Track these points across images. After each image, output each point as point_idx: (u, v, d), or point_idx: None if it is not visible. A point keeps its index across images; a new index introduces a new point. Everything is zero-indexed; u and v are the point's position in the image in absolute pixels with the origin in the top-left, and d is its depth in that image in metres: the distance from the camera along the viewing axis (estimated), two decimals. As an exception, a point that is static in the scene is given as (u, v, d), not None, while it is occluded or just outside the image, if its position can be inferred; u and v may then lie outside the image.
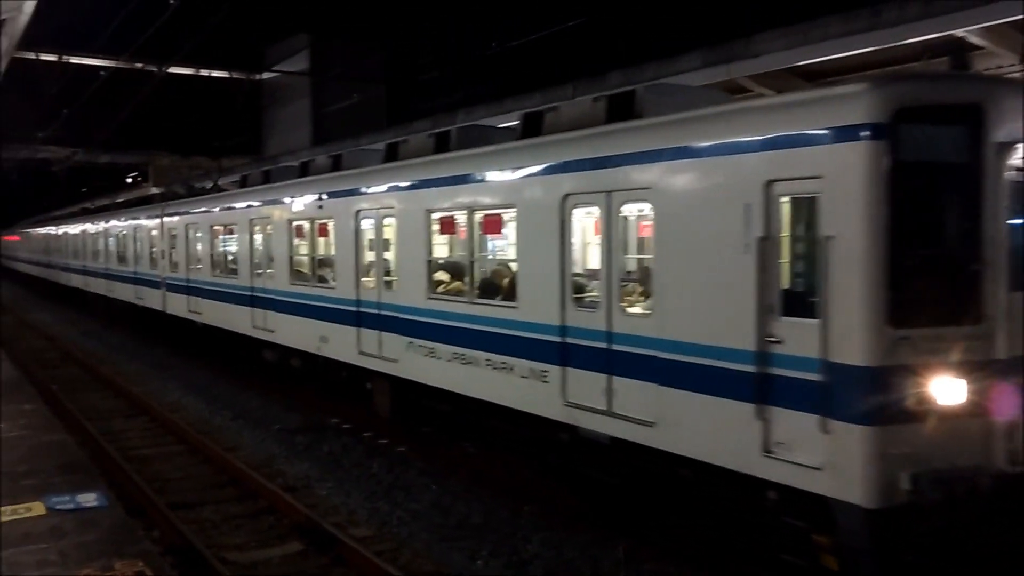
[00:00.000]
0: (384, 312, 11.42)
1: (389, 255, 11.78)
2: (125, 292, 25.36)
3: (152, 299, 22.42)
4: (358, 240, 12.06)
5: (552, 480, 9.51)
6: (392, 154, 12.17)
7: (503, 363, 9.19)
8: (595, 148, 8.11)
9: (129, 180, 46.10)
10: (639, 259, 8.48)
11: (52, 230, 41.61)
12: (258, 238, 15.76)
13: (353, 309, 12.11)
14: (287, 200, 14.40)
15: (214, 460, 11.37)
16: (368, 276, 12.04)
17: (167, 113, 38.98)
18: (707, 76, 13.07)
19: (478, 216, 9.81)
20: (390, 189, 11.58)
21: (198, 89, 39.19)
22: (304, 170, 14.99)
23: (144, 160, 45.60)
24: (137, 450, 12.07)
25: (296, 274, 14.24)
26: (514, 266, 9.44)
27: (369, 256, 12.09)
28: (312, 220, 13.54)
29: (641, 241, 8.69)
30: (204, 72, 38.71)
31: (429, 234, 10.64)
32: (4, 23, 10.66)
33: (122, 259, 25.93)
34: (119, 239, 26.44)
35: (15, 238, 60.16)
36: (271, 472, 10.82)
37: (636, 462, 7.80)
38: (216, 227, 18.07)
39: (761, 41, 13.24)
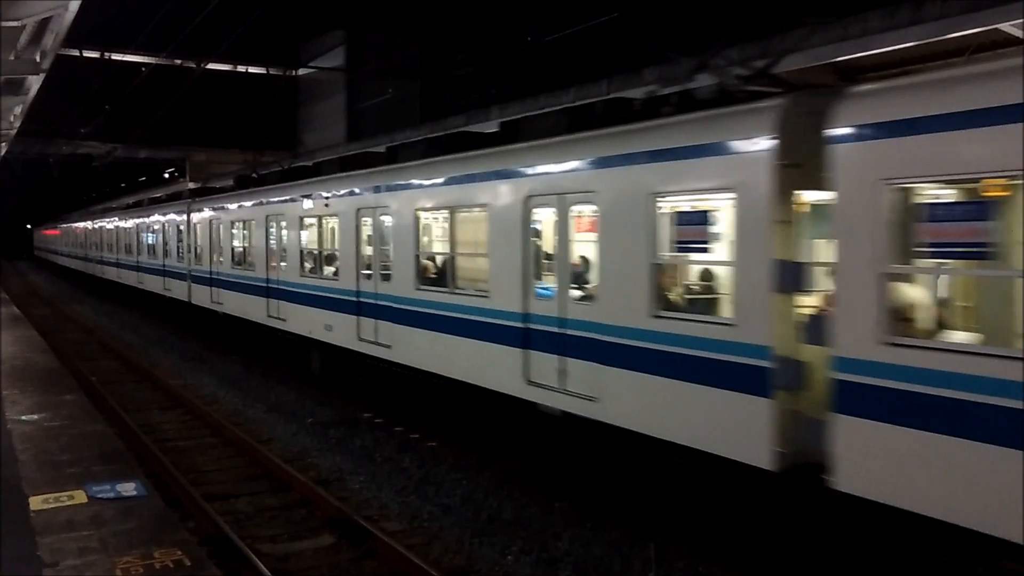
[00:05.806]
0: None
1: None
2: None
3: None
4: None
5: (583, 477, 9.49)
6: None
7: None
8: None
9: (166, 175, 46.91)
10: None
11: (143, 221, 29.70)
12: None
13: None
14: None
15: (248, 453, 11.52)
16: None
17: (203, 109, 39.54)
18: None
19: None
20: None
21: (234, 85, 39.64)
22: None
23: (181, 155, 46.36)
24: (173, 442, 12.26)
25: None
26: None
27: None
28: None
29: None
30: (241, 68, 39.08)
31: None
32: (50, 20, 10.84)
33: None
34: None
35: (56, 232, 59.24)
36: (304, 465, 10.94)
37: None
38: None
39: (798, 37, 13.07)
